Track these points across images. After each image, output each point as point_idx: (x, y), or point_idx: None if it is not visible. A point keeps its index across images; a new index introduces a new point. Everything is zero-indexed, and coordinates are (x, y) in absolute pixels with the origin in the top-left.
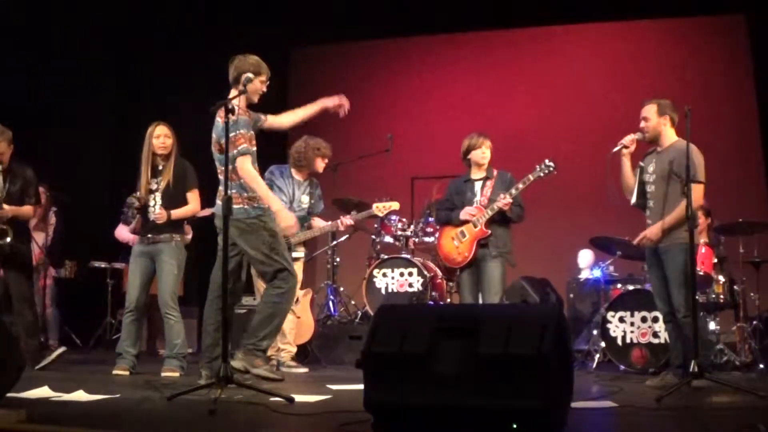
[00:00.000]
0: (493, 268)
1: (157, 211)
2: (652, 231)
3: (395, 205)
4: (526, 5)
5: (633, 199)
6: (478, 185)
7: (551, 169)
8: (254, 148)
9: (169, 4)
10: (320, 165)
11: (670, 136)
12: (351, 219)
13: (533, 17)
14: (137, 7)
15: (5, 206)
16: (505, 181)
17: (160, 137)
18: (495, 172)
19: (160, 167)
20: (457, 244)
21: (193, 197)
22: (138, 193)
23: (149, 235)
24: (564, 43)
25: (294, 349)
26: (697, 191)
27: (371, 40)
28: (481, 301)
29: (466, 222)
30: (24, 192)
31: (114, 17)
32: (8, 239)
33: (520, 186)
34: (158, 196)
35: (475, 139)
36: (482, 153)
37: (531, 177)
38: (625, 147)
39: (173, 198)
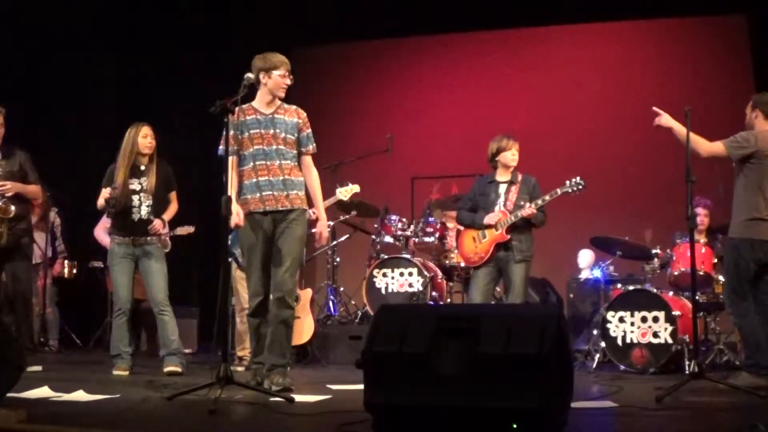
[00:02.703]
0: (517, 271)
1: (144, 211)
2: None
3: (356, 188)
4: (526, 5)
5: None
6: (502, 188)
7: (581, 187)
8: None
9: (170, 4)
10: None
11: (759, 129)
12: None
13: (533, 17)
14: (138, 7)
15: (8, 182)
16: (529, 185)
17: (147, 137)
18: (520, 177)
19: (143, 167)
20: (477, 244)
21: (174, 198)
22: (115, 190)
23: (136, 237)
24: (564, 43)
25: None
26: None
27: (372, 39)
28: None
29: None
30: (23, 171)
31: (115, 17)
32: (12, 208)
33: (547, 198)
34: (143, 197)
35: (504, 142)
36: (512, 155)
37: (559, 191)
38: None
39: (161, 200)
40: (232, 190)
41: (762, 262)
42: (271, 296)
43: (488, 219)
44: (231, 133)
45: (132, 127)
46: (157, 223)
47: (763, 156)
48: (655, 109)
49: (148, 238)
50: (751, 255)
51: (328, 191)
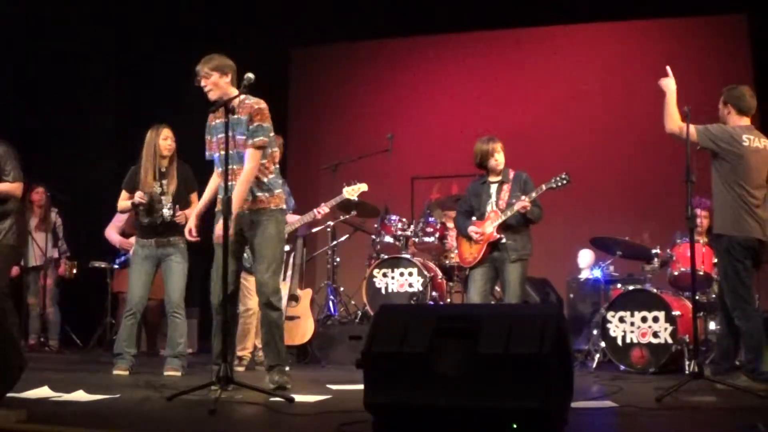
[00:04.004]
0: (512, 271)
1: (166, 213)
2: None
3: (364, 187)
4: (526, 5)
5: None
6: (494, 188)
7: (565, 182)
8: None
9: (170, 4)
10: None
11: (732, 125)
12: (326, 206)
13: (533, 17)
14: (137, 6)
15: None
16: (520, 182)
17: (168, 139)
18: (511, 175)
19: (163, 169)
20: (471, 244)
21: (195, 198)
22: (146, 195)
23: (158, 238)
24: (564, 43)
25: None
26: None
27: (371, 40)
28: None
29: (481, 224)
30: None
31: (114, 17)
32: None
33: (533, 195)
34: (165, 199)
35: (484, 147)
36: (495, 161)
37: (544, 187)
38: None
39: (182, 200)
40: (208, 195)
41: (756, 259)
42: (257, 300)
43: (470, 232)
44: (207, 137)
45: (152, 130)
46: (181, 215)
47: (731, 153)
48: (668, 68)
49: (171, 238)
50: (744, 254)
51: (329, 191)
